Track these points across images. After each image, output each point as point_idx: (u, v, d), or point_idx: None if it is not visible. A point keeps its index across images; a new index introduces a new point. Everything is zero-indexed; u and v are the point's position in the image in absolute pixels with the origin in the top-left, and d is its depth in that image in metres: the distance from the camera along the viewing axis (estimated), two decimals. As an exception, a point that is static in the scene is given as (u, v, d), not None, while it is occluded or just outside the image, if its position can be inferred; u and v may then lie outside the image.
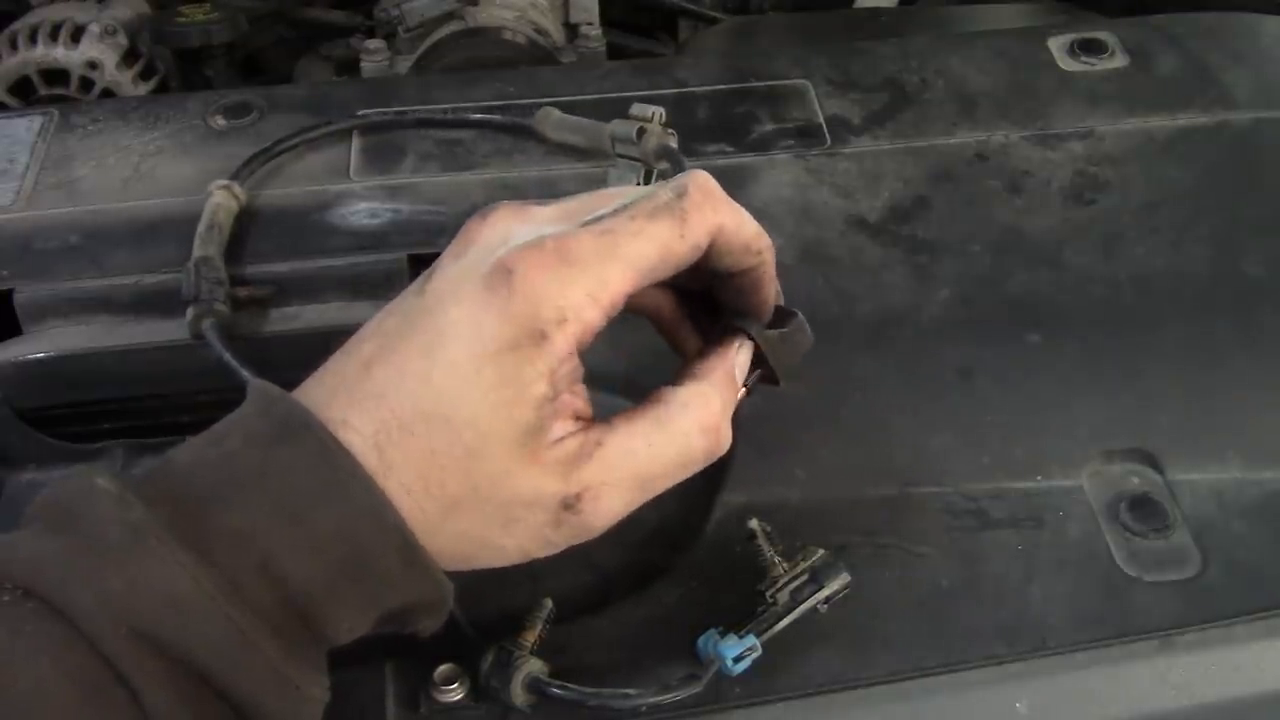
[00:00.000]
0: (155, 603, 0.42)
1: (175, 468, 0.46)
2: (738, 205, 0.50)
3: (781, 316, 0.54)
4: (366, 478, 0.45)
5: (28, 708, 0.41)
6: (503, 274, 0.46)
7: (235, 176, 0.74)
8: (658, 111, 0.73)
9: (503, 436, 0.46)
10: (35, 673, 0.41)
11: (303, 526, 0.44)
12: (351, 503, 0.45)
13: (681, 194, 0.48)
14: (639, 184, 0.72)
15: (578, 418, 0.48)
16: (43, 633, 0.42)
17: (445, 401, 0.46)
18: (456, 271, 0.48)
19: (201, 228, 0.70)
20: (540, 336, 0.46)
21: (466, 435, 0.46)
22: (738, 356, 0.52)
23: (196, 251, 0.68)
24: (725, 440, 0.51)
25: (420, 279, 0.50)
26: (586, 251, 0.47)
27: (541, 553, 0.49)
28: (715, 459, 0.51)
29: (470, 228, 0.50)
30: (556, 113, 0.78)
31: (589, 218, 0.49)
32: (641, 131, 0.72)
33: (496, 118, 0.79)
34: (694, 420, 0.50)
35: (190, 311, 0.66)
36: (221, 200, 0.72)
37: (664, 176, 0.72)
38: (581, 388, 0.49)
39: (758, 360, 0.53)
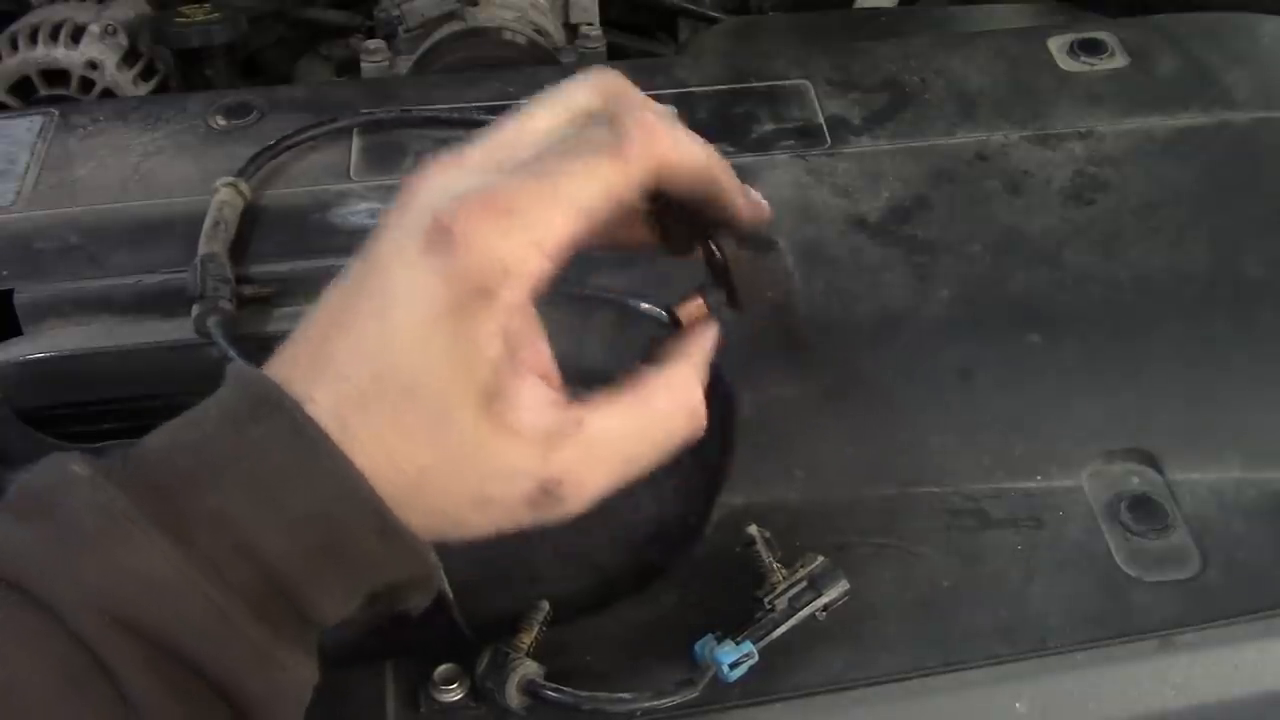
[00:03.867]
0: (133, 587, 0.42)
1: (151, 452, 0.45)
2: (680, 130, 0.48)
3: (760, 243, 0.51)
4: (339, 455, 0.44)
5: (9, 698, 0.41)
6: (441, 232, 0.44)
7: (241, 173, 0.74)
8: (672, 110, 0.73)
9: (464, 400, 0.45)
10: (15, 663, 0.41)
11: (277, 506, 0.44)
12: (324, 481, 0.44)
13: (620, 133, 0.47)
14: None
15: (544, 376, 0.47)
16: (21, 622, 0.41)
17: (402, 368, 0.44)
18: (399, 232, 0.46)
19: (207, 225, 0.70)
20: (486, 294, 0.44)
21: (430, 403, 0.44)
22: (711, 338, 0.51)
23: (202, 249, 0.69)
24: (704, 421, 0.50)
25: (367, 243, 0.48)
26: (524, 198, 0.45)
27: (511, 529, 0.47)
28: (692, 440, 0.50)
29: (408, 184, 0.47)
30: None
31: (520, 159, 0.47)
32: None
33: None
34: (678, 402, 0.49)
35: (195, 308, 0.66)
36: (227, 198, 0.72)
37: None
38: (544, 345, 0.48)
39: (725, 277, 0.51)
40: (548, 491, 0.46)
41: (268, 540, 0.44)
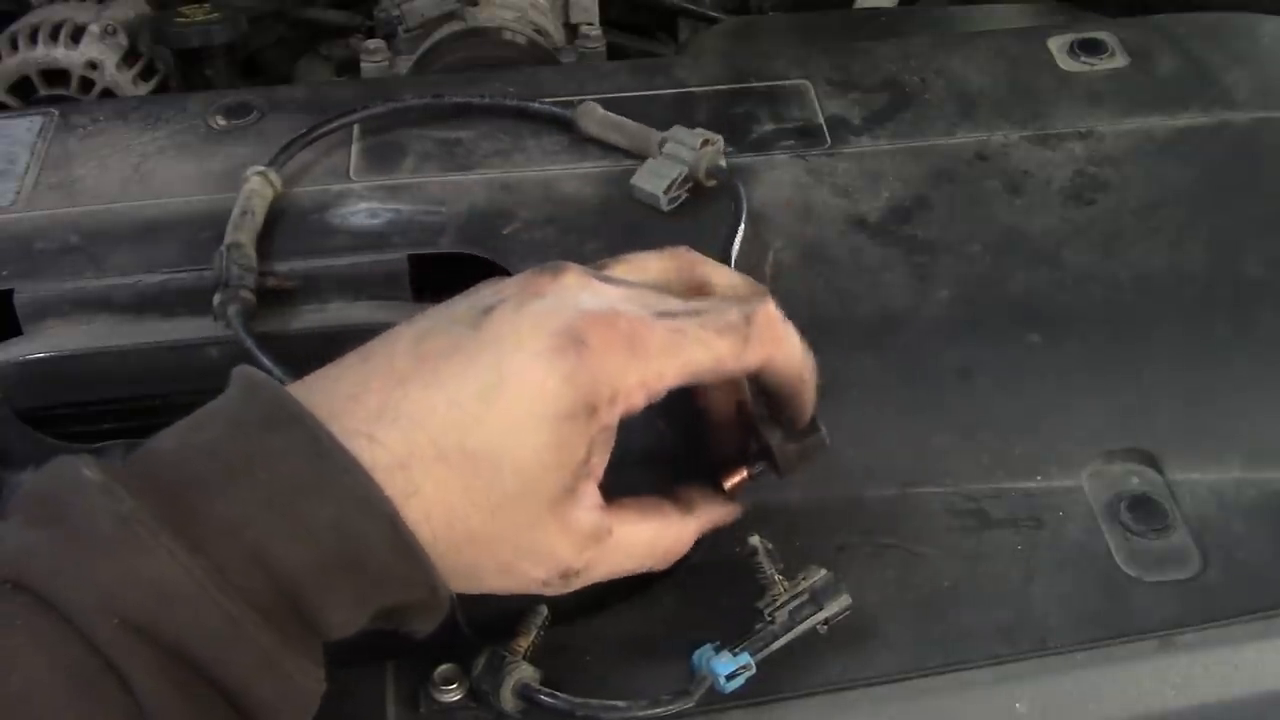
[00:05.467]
0: (145, 593, 0.42)
1: (160, 455, 0.46)
2: (794, 334, 0.53)
3: (809, 428, 0.56)
4: (360, 471, 0.45)
5: (21, 702, 0.41)
6: (574, 341, 0.48)
7: (272, 163, 0.74)
8: (720, 139, 0.75)
9: (542, 492, 0.48)
10: (28, 667, 0.41)
11: (293, 516, 0.44)
12: (344, 494, 0.45)
13: (750, 320, 0.51)
14: (674, 183, 0.73)
15: (596, 480, 0.51)
16: (34, 626, 0.42)
17: (496, 446, 0.47)
18: (521, 319, 0.49)
19: (235, 213, 0.70)
20: (593, 409, 0.48)
21: (510, 482, 0.47)
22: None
23: (228, 237, 0.69)
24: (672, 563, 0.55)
25: (469, 307, 0.51)
26: (654, 344, 0.49)
27: (512, 593, 0.51)
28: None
29: (538, 280, 0.51)
30: (600, 109, 0.78)
31: (662, 308, 0.51)
32: (705, 143, 0.73)
33: (535, 105, 0.79)
34: (677, 549, 0.54)
35: (217, 296, 0.66)
36: (257, 187, 0.72)
37: (703, 193, 0.74)
38: (607, 456, 0.52)
39: (770, 460, 0.56)
40: (564, 576, 0.50)
41: (281, 549, 0.44)
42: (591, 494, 0.50)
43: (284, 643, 0.44)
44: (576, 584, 0.51)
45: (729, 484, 0.57)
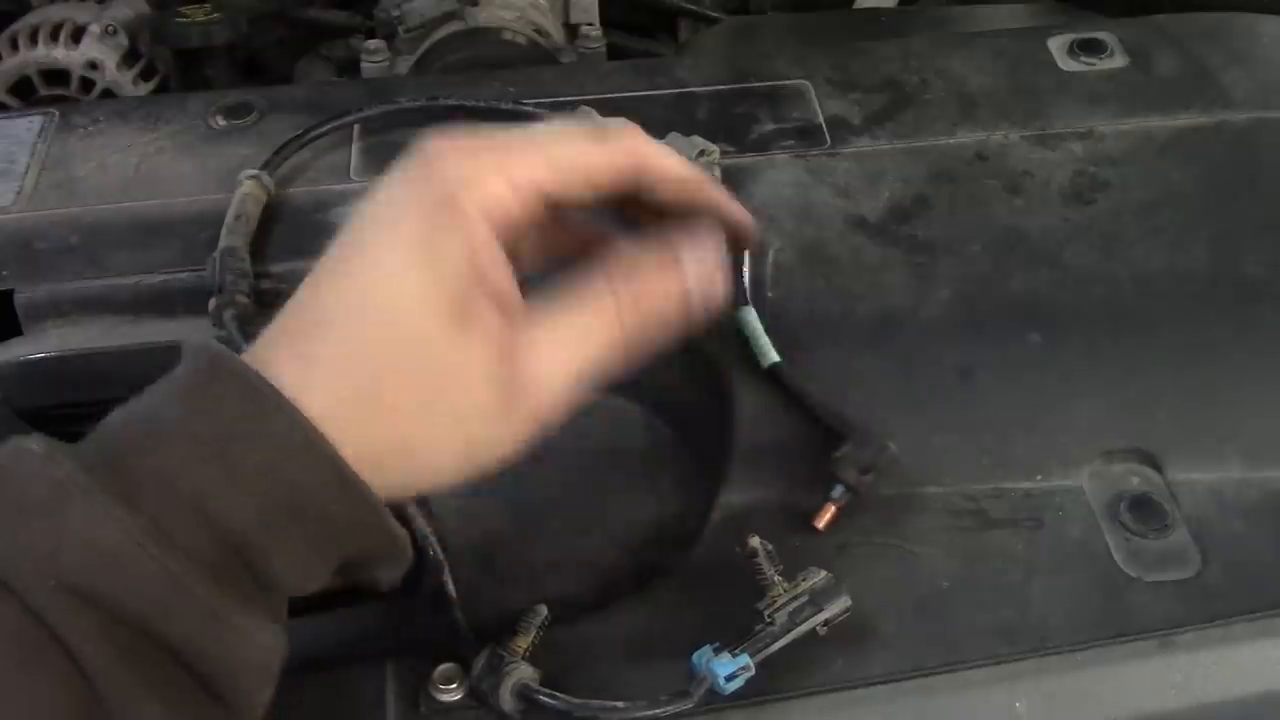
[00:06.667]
0: (83, 555, 0.41)
1: (104, 426, 0.45)
2: (664, 147, 0.51)
3: (875, 449, 0.59)
4: (295, 412, 0.44)
5: None
6: (418, 156, 0.47)
7: (265, 166, 0.74)
8: (716, 150, 0.74)
9: (428, 302, 0.45)
10: None
11: (230, 463, 0.43)
12: (279, 436, 0.44)
13: (601, 129, 0.50)
14: None
15: (502, 294, 0.47)
16: None
17: (367, 288, 0.46)
18: (386, 184, 0.48)
19: (229, 218, 0.70)
20: (450, 201, 0.46)
21: (389, 311, 0.46)
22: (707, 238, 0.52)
23: (223, 242, 0.69)
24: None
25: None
26: (503, 141, 0.48)
27: (492, 458, 0.48)
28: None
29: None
30: (595, 115, 0.78)
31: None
32: (701, 154, 0.73)
33: (531, 108, 0.79)
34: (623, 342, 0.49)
35: (213, 301, 0.66)
36: (250, 190, 0.72)
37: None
38: (505, 265, 0.48)
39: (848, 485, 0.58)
40: (507, 411, 0.47)
41: (221, 498, 0.43)
42: (488, 299, 0.46)
43: (230, 597, 0.43)
44: (525, 417, 0.47)
45: (822, 523, 0.58)
